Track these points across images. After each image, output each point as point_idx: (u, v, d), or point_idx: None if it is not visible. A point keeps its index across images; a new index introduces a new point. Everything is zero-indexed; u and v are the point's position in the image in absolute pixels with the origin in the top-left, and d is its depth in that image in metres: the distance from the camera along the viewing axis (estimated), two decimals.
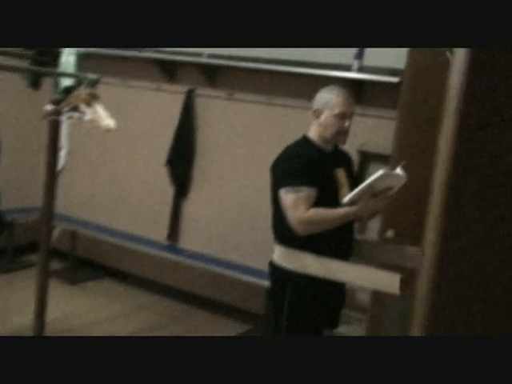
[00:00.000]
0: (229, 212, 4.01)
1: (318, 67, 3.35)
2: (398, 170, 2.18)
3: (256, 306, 3.79)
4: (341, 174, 2.38)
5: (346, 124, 2.30)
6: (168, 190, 4.20)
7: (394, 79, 3.02)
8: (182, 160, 4.13)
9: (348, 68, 3.26)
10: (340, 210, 2.21)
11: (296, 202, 2.20)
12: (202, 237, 4.14)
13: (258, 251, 3.89)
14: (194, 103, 4.09)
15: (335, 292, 2.40)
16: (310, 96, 3.55)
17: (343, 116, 2.29)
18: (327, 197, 2.27)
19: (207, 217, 4.12)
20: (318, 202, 2.23)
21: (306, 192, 2.21)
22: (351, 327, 3.15)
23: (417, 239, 2.87)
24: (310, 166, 2.26)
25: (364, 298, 3.10)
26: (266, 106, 3.79)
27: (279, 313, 2.32)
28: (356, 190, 2.17)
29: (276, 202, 2.33)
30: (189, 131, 4.11)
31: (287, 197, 2.23)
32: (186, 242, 4.22)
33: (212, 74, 3.99)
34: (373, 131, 3.27)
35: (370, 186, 2.14)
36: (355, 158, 3.05)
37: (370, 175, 3.60)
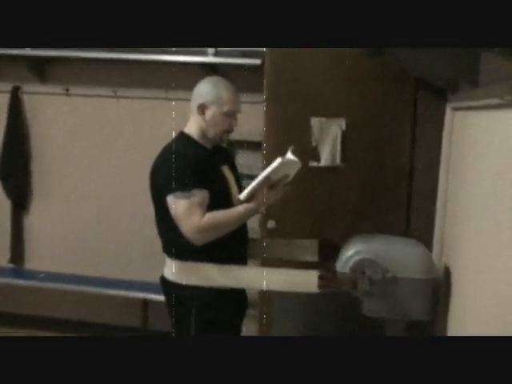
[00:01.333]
0: (84, 221, 3.57)
1: (169, 53, 3.05)
2: (290, 156, 2.03)
3: (132, 319, 3.46)
4: (227, 172, 2.17)
5: (234, 122, 2.09)
6: (5, 206, 3.62)
7: (256, 61, 2.85)
8: (14, 169, 3.59)
9: (203, 53, 3.02)
10: (239, 209, 2.00)
11: (189, 209, 1.93)
12: (54, 253, 3.64)
13: (123, 261, 3.54)
14: (20, 103, 3.55)
15: (240, 298, 2.20)
16: (163, 84, 3.28)
17: (233, 114, 2.07)
18: (219, 198, 2.03)
19: (57, 230, 3.63)
20: (210, 205, 1.98)
21: (199, 196, 1.95)
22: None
23: (297, 229, 2.81)
24: (197, 166, 1.99)
25: (251, 293, 2.96)
26: (113, 100, 3.40)
27: (185, 331, 2.06)
28: (253, 184, 1.98)
29: (162, 211, 2.03)
30: (19, 136, 3.57)
31: (178, 204, 1.94)
32: (35, 262, 3.68)
33: (40, 68, 3.48)
34: None
35: (268, 177, 1.97)
36: None
37: (239, 164, 3.42)
